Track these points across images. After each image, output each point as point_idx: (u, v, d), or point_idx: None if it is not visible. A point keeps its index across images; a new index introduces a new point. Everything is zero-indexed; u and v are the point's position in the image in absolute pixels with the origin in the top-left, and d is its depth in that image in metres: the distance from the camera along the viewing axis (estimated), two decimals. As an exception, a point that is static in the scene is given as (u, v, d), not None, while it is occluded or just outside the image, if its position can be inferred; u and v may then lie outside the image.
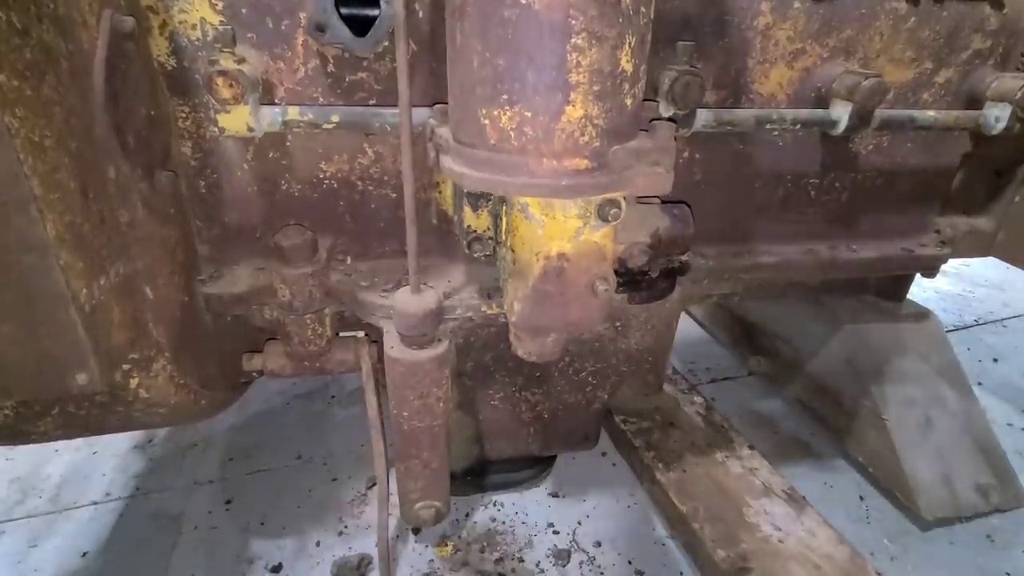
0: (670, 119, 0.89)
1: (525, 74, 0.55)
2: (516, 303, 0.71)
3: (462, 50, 0.57)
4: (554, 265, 0.66)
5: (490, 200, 0.85)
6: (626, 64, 0.56)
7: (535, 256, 0.66)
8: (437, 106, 0.80)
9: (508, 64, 0.55)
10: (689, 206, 0.80)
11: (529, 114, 0.56)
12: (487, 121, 0.58)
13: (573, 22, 0.52)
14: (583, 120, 0.57)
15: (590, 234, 0.66)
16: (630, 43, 0.56)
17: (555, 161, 0.58)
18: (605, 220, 0.65)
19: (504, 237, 0.73)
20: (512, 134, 0.57)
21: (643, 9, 0.56)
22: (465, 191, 0.84)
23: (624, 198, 0.65)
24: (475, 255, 0.91)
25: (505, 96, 0.56)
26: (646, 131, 0.65)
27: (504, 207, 0.71)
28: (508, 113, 0.57)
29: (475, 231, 0.89)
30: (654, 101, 0.88)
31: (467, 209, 0.87)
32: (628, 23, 0.54)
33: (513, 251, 0.69)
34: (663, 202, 0.83)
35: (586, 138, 0.58)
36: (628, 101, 0.59)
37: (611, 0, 0.53)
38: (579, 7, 0.52)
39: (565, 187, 0.59)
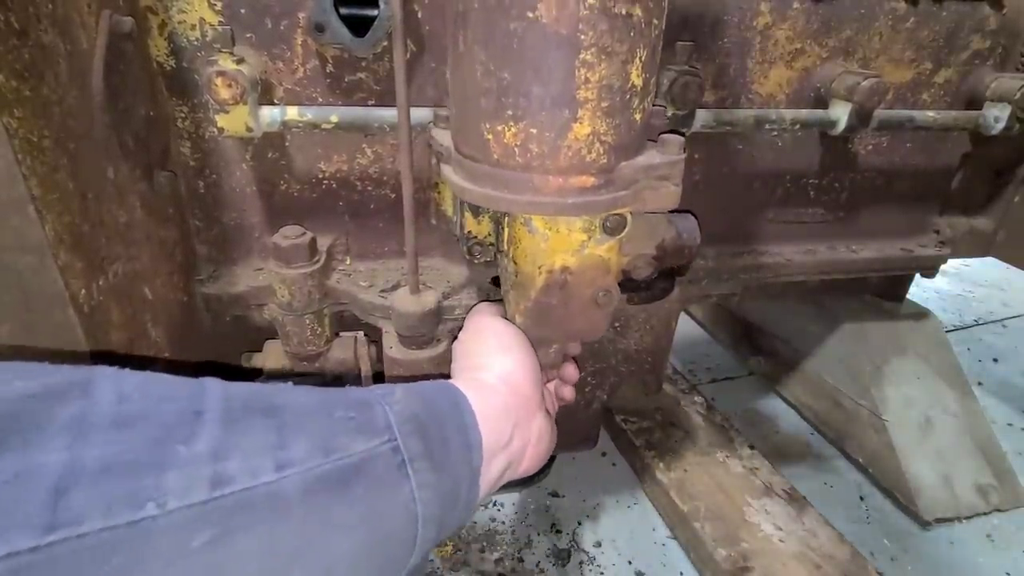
0: (671, 119, 0.89)
1: (531, 89, 0.52)
2: (518, 315, 0.69)
3: (465, 59, 0.55)
4: (557, 279, 0.65)
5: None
6: (636, 79, 0.54)
7: (538, 269, 0.65)
8: (437, 110, 0.80)
9: (514, 78, 0.53)
10: (695, 215, 0.79)
11: (535, 131, 0.54)
12: (491, 136, 0.56)
13: (582, 37, 0.50)
14: (590, 137, 0.55)
15: (594, 247, 0.64)
16: (641, 57, 0.54)
17: (560, 178, 0.56)
18: (610, 234, 0.63)
19: (506, 247, 0.71)
20: (517, 150, 0.55)
21: (655, 21, 0.54)
22: (466, 200, 0.84)
23: (630, 211, 0.63)
24: (476, 261, 0.90)
25: (510, 112, 0.54)
26: (654, 141, 0.63)
27: (506, 218, 0.69)
28: (513, 129, 0.55)
29: (475, 236, 0.88)
30: (661, 106, 0.87)
31: (467, 215, 0.86)
32: (640, 37, 0.52)
33: (515, 263, 0.68)
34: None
35: (593, 155, 0.56)
36: (637, 116, 0.57)
37: (622, 14, 0.50)
38: (589, 21, 0.49)
39: (571, 205, 0.57)
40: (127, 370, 0.39)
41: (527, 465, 0.61)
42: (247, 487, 0.35)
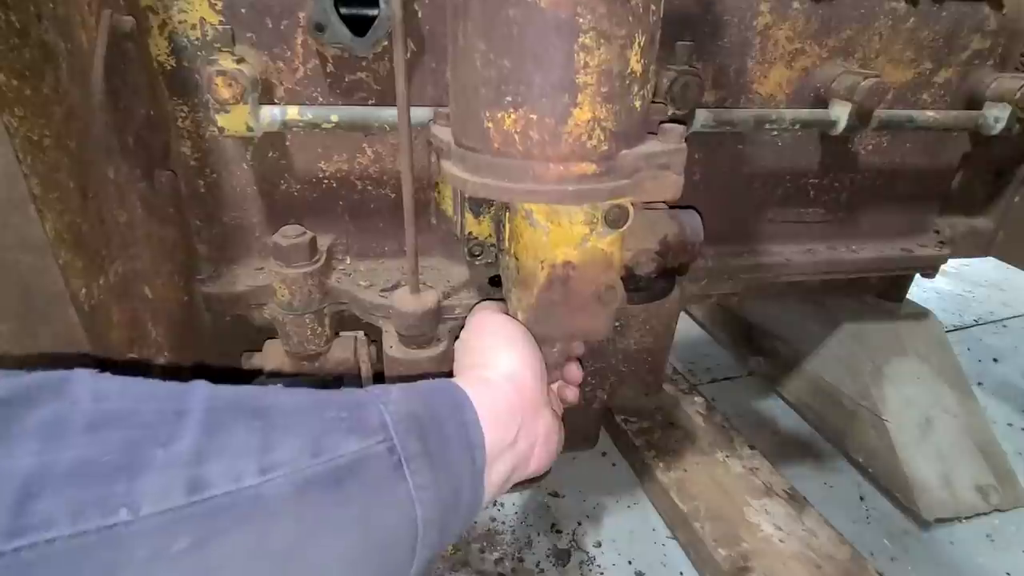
0: (671, 119, 0.89)
1: (531, 75, 0.53)
2: (520, 313, 0.69)
3: (464, 50, 0.55)
4: (559, 273, 0.64)
5: (492, 205, 0.84)
6: (635, 64, 0.54)
7: (540, 264, 0.64)
8: (437, 109, 0.80)
9: (513, 65, 0.53)
10: (698, 211, 0.78)
11: (535, 117, 0.54)
12: (491, 124, 0.56)
13: (581, 20, 0.50)
14: (590, 123, 0.55)
15: (597, 241, 0.63)
16: (639, 42, 0.54)
17: (561, 166, 0.56)
18: (612, 227, 0.62)
19: (507, 244, 0.71)
20: (517, 138, 0.55)
21: (653, 7, 0.54)
22: (467, 197, 0.84)
23: (632, 204, 0.63)
24: (477, 262, 0.90)
25: (510, 98, 0.54)
26: (654, 134, 0.63)
27: (507, 213, 0.69)
28: (513, 116, 0.54)
29: (476, 237, 0.88)
30: (662, 103, 0.87)
31: (468, 215, 0.86)
32: (638, 21, 0.53)
33: (517, 259, 0.67)
34: (671, 207, 0.82)
35: (593, 141, 0.56)
36: (637, 103, 0.57)
37: None
38: (587, 5, 0.50)
39: (571, 193, 0.57)
40: (107, 373, 0.38)
41: (535, 465, 0.59)
42: (228, 491, 0.35)
